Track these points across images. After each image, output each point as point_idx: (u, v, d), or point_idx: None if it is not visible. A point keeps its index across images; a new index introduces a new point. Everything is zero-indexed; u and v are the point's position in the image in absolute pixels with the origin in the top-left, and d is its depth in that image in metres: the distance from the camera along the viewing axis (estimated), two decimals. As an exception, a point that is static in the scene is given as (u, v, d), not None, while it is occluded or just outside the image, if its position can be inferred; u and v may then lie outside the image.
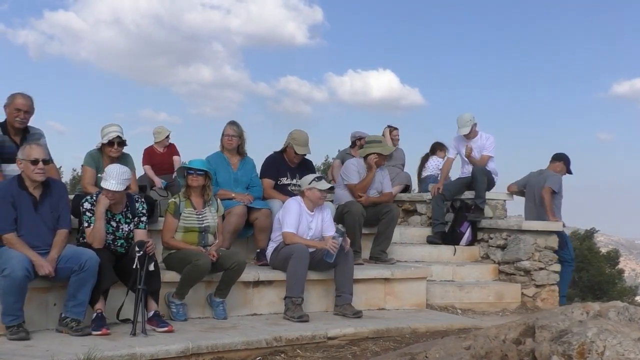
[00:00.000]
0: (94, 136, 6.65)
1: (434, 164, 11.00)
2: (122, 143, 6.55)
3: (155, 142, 10.56)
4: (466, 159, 9.19)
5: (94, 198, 5.78)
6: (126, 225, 5.89)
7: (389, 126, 11.18)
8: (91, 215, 5.72)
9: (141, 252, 5.50)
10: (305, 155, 7.76)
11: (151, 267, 5.50)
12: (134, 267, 5.45)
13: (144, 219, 6.02)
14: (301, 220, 6.74)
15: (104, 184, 5.72)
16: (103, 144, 6.51)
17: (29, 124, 6.39)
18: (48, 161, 5.55)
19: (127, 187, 5.86)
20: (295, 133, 7.71)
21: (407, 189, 10.83)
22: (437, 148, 11.27)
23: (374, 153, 8.10)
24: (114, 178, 5.69)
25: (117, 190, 5.68)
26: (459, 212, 9.17)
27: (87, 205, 5.76)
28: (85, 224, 5.75)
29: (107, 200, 5.71)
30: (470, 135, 9.08)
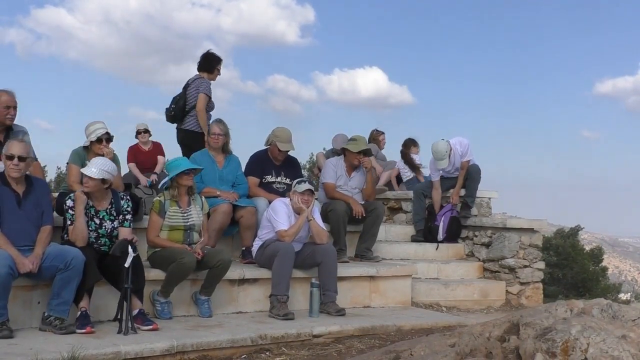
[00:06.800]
0: (82, 134, 6.63)
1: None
2: (110, 139, 6.52)
3: (140, 142, 10.53)
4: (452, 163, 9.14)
5: None
6: (109, 223, 5.85)
7: (376, 130, 11.30)
8: (73, 213, 5.69)
9: (137, 253, 5.51)
10: (288, 151, 7.74)
11: (127, 264, 5.43)
12: (127, 266, 5.42)
13: (128, 217, 5.98)
14: (291, 220, 6.72)
15: (84, 170, 5.75)
16: (92, 142, 6.46)
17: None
18: (25, 158, 5.49)
19: (106, 181, 5.81)
20: (277, 130, 7.70)
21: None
22: (411, 144, 11.16)
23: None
24: (95, 167, 5.71)
25: (92, 177, 5.66)
26: (429, 207, 9.16)
27: (69, 202, 5.73)
28: (68, 222, 5.72)
29: (84, 197, 5.69)
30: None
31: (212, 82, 8.54)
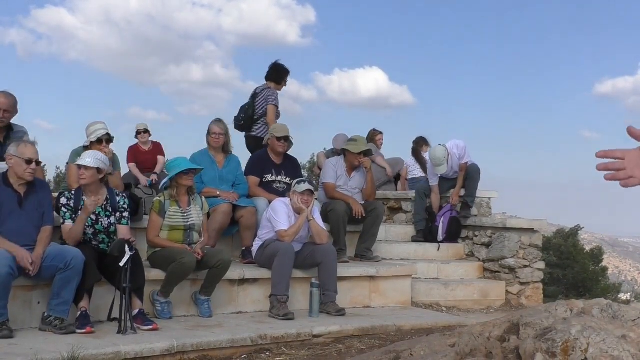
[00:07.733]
0: (82, 134, 6.64)
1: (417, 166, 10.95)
2: (110, 140, 6.52)
3: (140, 142, 10.54)
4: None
5: (72, 193, 5.79)
6: (106, 219, 5.85)
7: (374, 129, 11.27)
8: (67, 211, 5.70)
9: (134, 251, 5.49)
10: (288, 137, 7.75)
11: (121, 263, 5.41)
12: (125, 266, 5.40)
13: (126, 214, 5.97)
14: (291, 220, 6.72)
15: (79, 161, 5.77)
16: (91, 142, 6.46)
17: (12, 122, 6.34)
18: (40, 162, 5.56)
19: (101, 171, 5.81)
20: (274, 125, 7.89)
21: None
22: (423, 143, 11.15)
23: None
24: (89, 157, 5.74)
25: (89, 166, 5.68)
26: (429, 207, 9.17)
27: (63, 200, 5.73)
28: (62, 220, 5.73)
29: (94, 206, 5.69)
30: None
31: (278, 92, 8.89)
